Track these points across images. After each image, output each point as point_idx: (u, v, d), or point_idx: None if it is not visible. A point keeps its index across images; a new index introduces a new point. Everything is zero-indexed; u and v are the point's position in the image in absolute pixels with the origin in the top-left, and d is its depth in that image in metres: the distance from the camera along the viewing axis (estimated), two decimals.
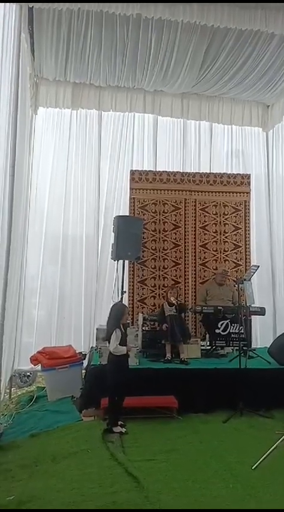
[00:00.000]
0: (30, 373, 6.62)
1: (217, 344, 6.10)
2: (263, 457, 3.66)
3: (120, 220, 6.32)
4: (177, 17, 5.22)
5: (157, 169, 7.31)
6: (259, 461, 3.61)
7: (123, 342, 4.43)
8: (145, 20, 5.43)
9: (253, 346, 6.25)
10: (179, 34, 5.74)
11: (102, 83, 6.97)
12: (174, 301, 5.75)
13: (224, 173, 7.30)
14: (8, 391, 5.90)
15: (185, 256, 6.93)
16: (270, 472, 3.50)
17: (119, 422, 4.39)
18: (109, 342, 4.45)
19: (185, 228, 6.98)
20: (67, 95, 7.13)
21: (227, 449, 3.97)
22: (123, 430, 4.32)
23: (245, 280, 5.81)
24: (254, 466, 3.57)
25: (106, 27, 5.68)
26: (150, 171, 7.16)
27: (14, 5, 4.89)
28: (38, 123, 7.06)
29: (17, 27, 4.96)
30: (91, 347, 6.43)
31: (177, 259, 6.91)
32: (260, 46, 5.96)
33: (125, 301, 6.39)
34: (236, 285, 5.98)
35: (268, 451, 3.73)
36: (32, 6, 5.06)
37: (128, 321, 5.04)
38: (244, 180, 7.21)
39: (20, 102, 4.99)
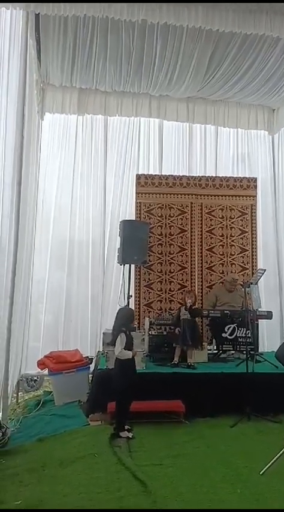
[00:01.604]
0: (37, 378, 6.63)
1: (223, 348, 6.09)
2: (271, 462, 3.63)
3: (126, 225, 6.34)
4: (181, 22, 5.21)
5: (163, 174, 7.32)
6: (267, 467, 3.58)
7: (128, 346, 4.43)
8: (150, 25, 5.46)
9: (260, 350, 6.20)
10: (184, 40, 5.75)
11: (108, 88, 7.00)
12: (188, 305, 5.74)
13: (230, 177, 7.30)
14: (15, 395, 5.92)
15: (191, 260, 6.93)
16: (278, 478, 3.47)
17: (126, 427, 4.39)
18: (114, 346, 4.46)
19: (191, 231, 6.98)
20: (73, 100, 7.18)
21: (234, 454, 3.95)
22: (130, 434, 4.31)
23: (252, 284, 5.79)
24: (262, 472, 3.54)
25: (111, 34, 5.71)
26: (156, 175, 7.19)
27: (21, 12, 4.94)
28: (44, 128, 7.11)
29: (23, 34, 5.00)
30: (98, 351, 6.44)
31: (183, 263, 6.91)
32: (265, 51, 5.95)
33: (131, 306, 6.39)
34: (243, 288, 5.97)
35: (276, 456, 3.70)
36: (39, 13, 5.10)
37: (135, 326, 5.02)
38: (250, 183, 7.21)
39: (27, 108, 5.03)
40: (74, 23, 5.54)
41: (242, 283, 6.28)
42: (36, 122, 6.49)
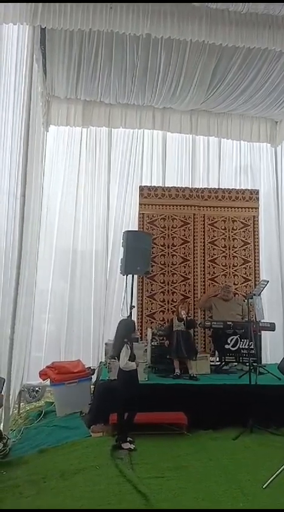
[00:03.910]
0: (39, 388, 6.61)
1: (226, 360, 6.06)
2: (274, 476, 3.59)
3: (130, 235, 6.37)
4: (185, 36, 5.29)
5: (166, 185, 7.38)
6: (270, 480, 3.55)
7: (131, 357, 4.42)
8: (154, 39, 5.55)
9: (263, 362, 6.18)
10: (187, 53, 5.85)
11: (112, 100, 7.09)
12: (183, 316, 5.72)
13: (232, 189, 7.35)
14: (16, 406, 5.89)
15: (194, 271, 6.94)
16: (281, 491, 3.43)
17: (128, 439, 4.36)
18: (117, 358, 4.45)
19: (194, 243, 7.00)
20: (78, 112, 7.28)
21: (237, 467, 3.91)
22: (132, 446, 4.28)
23: (254, 295, 5.78)
24: (265, 485, 3.50)
25: (116, 47, 5.81)
26: (159, 186, 7.24)
27: (27, 26, 5.04)
28: (49, 140, 7.19)
29: (29, 48, 5.11)
30: (100, 362, 6.42)
31: (186, 274, 6.91)
32: (267, 64, 6.04)
33: (134, 316, 6.40)
34: (245, 300, 5.96)
35: (279, 470, 3.66)
36: (45, 27, 5.19)
37: (137, 336, 5.01)
38: (252, 195, 7.24)
39: (31, 120, 5.10)
40: (79, 36, 5.64)
41: (245, 294, 6.30)
42: (41, 133, 6.56)
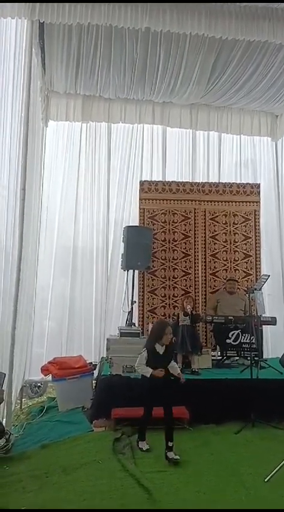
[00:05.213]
0: (41, 384, 6.63)
1: (227, 354, 6.06)
2: (276, 469, 3.60)
3: (130, 230, 6.36)
4: (185, 29, 5.27)
5: (166, 180, 7.35)
6: (271, 474, 3.56)
7: (152, 363, 4.13)
8: (153, 33, 5.51)
9: (264, 356, 6.17)
10: (187, 47, 5.81)
11: (112, 95, 7.07)
12: (189, 310, 5.71)
13: (233, 183, 7.31)
14: (18, 401, 5.92)
15: (195, 266, 6.92)
16: (283, 485, 3.43)
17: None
18: None
19: (195, 237, 6.98)
20: (77, 107, 7.26)
21: (239, 461, 3.92)
22: (146, 447, 4.15)
23: (256, 289, 5.78)
24: (267, 479, 3.51)
25: (115, 41, 5.78)
26: (159, 181, 7.21)
27: (25, 21, 5.00)
28: (48, 136, 7.17)
29: (28, 43, 5.08)
30: (102, 357, 6.42)
31: (187, 269, 6.90)
32: (268, 57, 6.01)
33: (135, 311, 6.40)
34: (247, 294, 5.95)
35: (281, 463, 3.67)
36: (43, 21, 5.15)
37: (171, 337, 4.55)
38: (253, 189, 7.21)
39: (31, 115, 5.07)
40: (78, 30, 5.61)
41: (246, 288, 6.28)
42: (40, 129, 6.54)
